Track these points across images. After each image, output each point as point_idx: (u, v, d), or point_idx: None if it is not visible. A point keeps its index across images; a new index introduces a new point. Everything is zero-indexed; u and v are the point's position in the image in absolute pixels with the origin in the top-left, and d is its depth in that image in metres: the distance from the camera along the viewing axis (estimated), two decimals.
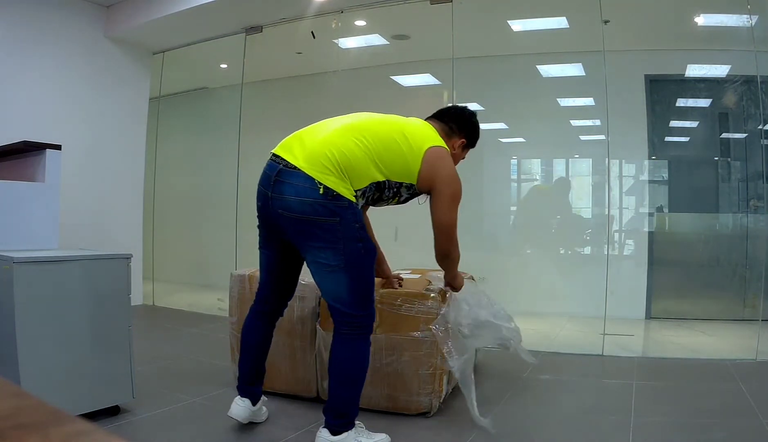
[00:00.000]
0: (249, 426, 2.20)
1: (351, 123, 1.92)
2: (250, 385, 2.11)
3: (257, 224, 2.03)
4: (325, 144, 1.83)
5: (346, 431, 1.87)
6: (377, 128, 1.92)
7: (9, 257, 1.91)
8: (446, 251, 2.05)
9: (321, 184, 1.77)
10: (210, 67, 5.79)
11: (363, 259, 1.85)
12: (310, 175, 1.78)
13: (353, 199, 1.83)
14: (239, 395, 2.10)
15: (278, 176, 1.83)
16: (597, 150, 4.66)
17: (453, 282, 2.27)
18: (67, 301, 2.04)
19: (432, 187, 1.96)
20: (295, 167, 1.80)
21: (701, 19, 4.20)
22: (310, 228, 1.80)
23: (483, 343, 2.52)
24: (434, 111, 2.25)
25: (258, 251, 2.09)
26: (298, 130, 1.98)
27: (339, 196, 1.79)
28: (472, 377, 2.23)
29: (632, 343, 3.71)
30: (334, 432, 1.87)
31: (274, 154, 1.90)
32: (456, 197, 1.98)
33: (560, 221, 5.13)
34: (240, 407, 2.07)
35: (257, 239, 2.07)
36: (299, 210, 1.79)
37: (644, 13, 4.04)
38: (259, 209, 1.95)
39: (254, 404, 2.11)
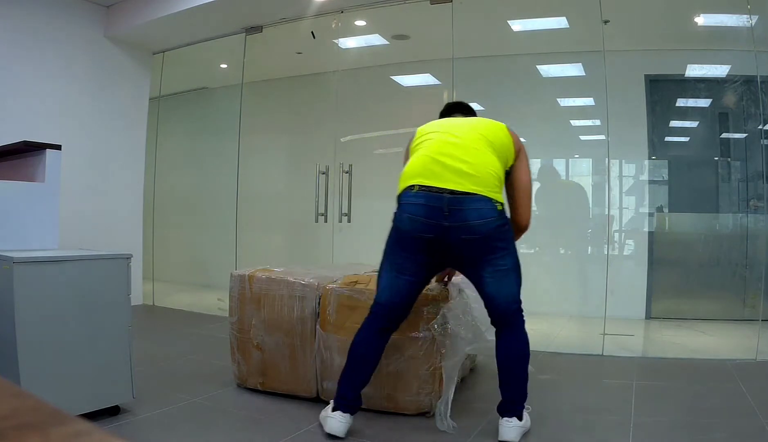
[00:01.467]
0: (248, 426, 2.20)
1: (473, 135, 2.03)
2: (359, 399, 2.08)
3: (399, 253, 2.03)
4: (483, 165, 1.96)
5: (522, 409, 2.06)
6: (486, 129, 2.07)
7: (9, 257, 1.91)
8: (528, 217, 2.16)
9: (497, 202, 1.95)
10: (210, 67, 5.80)
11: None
12: (489, 196, 1.92)
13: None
14: (341, 410, 2.03)
15: (452, 205, 1.90)
16: (597, 150, 4.65)
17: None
18: (67, 301, 2.04)
19: (516, 156, 2.13)
20: (469, 193, 1.91)
21: (701, 19, 4.20)
22: (491, 243, 1.95)
23: (477, 351, 2.52)
24: (452, 109, 2.42)
25: (392, 277, 2.05)
26: (423, 154, 2.01)
27: (504, 208, 1.99)
28: (455, 379, 2.24)
29: (632, 343, 3.71)
30: (521, 416, 2.03)
31: (424, 186, 1.93)
32: None
33: (559, 221, 5.13)
34: (342, 424, 2.02)
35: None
36: (483, 231, 1.92)
37: (644, 13, 4.04)
38: (425, 242, 1.96)
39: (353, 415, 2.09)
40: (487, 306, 2.08)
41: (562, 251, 5.13)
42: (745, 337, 3.65)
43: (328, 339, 2.37)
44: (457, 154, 1.98)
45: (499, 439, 2.02)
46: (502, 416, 2.04)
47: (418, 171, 1.99)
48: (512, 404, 2.04)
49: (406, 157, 2.18)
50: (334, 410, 2.04)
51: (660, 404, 2.49)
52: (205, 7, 4.17)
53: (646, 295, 4.62)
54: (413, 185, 1.97)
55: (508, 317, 2.05)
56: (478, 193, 1.91)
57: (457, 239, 1.92)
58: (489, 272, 1.99)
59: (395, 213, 2.04)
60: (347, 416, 2.04)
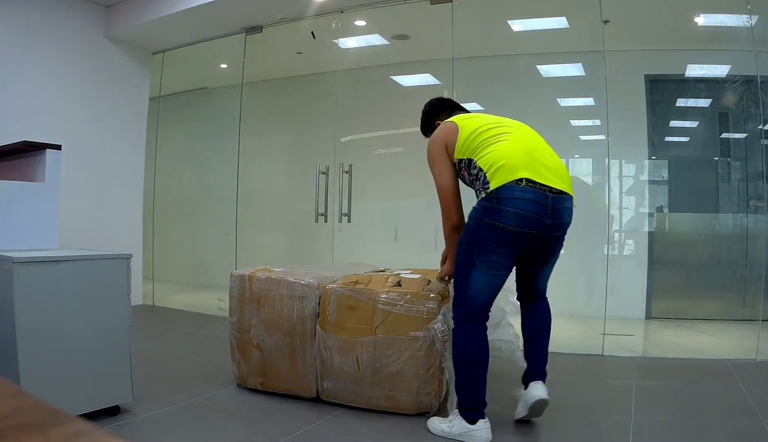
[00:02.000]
0: (249, 426, 2.20)
1: (538, 135, 2.15)
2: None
3: (496, 249, 1.95)
4: (562, 165, 2.07)
5: None
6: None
7: (9, 257, 1.91)
8: None
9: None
10: (210, 67, 5.79)
11: None
12: (571, 196, 2.03)
13: None
14: (483, 418, 2.02)
15: (554, 204, 1.96)
16: (597, 150, 4.65)
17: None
18: (67, 301, 2.04)
19: None
20: (562, 192, 1.98)
21: (701, 19, 4.20)
22: (563, 241, 2.10)
23: None
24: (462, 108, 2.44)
25: (488, 274, 1.99)
26: (518, 148, 1.98)
27: None
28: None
29: (632, 343, 3.71)
30: (545, 379, 2.18)
31: (531, 181, 1.90)
32: None
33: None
34: (490, 429, 2.02)
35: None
36: (567, 228, 2.07)
37: (644, 13, 4.04)
38: (529, 237, 1.95)
39: None
40: (525, 283, 2.24)
41: (562, 251, 5.12)
42: (745, 337, 3.65)
43: (328, 339, 2.37)
44: (543, 152, 2.03)
45: (536, 399, 2.09)
46: (531, 380, 2.15)
47: (521, 165, 1.92)
48: (541, 367, 2.18)
49: (451, 153, 2.09)
50: (472, 422, 2.00)
51: (660, 404, 2.49)
52: (205, 7, 4.18)
53: (646, 295, 4.62)
54: (521, 179, 1.89)
55: (541, 293, 2.28)
56: (567, 192, 2.00)
57: (551, 235, 2.00)
58: (552, 262, 2.17)
59: (492, 208, 1.91)
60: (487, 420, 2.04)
